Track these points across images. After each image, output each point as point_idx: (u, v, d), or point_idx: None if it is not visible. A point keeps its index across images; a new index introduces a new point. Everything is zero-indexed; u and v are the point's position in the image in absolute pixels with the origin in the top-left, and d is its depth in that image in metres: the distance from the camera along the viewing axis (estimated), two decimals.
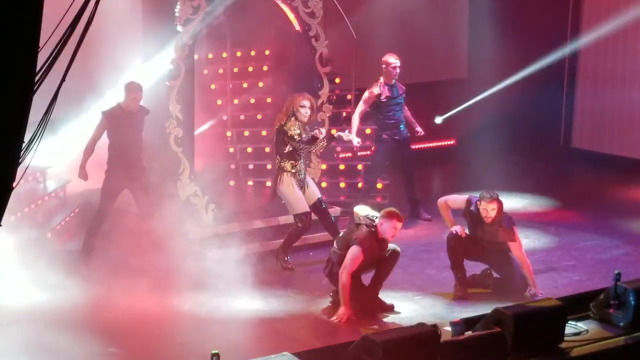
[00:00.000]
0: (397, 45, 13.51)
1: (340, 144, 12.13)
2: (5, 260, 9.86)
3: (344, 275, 9.28)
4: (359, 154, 12.75)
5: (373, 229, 9.43)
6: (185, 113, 11.00)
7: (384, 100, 12.36)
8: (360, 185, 12.46)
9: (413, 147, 12.87)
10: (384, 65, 12.36)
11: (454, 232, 10.03)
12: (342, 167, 12.55)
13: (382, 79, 12.37)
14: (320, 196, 11.01)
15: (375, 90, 12.28)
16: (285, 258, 10.76)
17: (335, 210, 11.62)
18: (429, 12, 14.68)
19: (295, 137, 10.65)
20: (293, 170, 10.74)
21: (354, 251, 9.33)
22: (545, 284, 10.30)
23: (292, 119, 10.71)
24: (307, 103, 10.77)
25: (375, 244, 9.43)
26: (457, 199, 10.35)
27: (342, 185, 12.45)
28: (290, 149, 10.70)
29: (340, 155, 12.64)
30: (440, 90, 14.03)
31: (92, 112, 11.28)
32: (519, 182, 13.69)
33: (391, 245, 9.65)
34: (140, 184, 10.78)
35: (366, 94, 12.35)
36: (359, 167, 12.63)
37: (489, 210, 9.90)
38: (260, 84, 13.03)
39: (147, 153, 10.96)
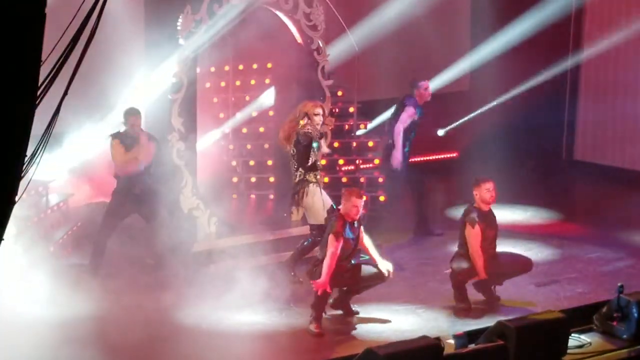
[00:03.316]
0: (399, 58, 13.53)
1: (342, 157, 12.13)
2: (8, 273, 9.85)
3: (330, 248, 9.34)
4: (361, 167, 12.75)
5: (339, 217, 9.49)
6: (187, 126, 10.99)
7: (416, 120, 12.28)
8: (365, 198, 12.42)
9: (417, 158, 12.85)
10: (419, 89, 12.24)
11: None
12: (344, 179, 12.54)
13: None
14: (332, 204, 10.85)
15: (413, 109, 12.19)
16: (292, 273, 10.63)
17: None
18: (431, 25, 14.70)
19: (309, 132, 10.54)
20: (315, 181, 10.65)
21: (329, 239, 9.39)
22: (548, 296, 10.30)
23: (306, 119, 10.60)
24: (320, 110, 10.69)
25: (346, 227, 9.46)
26: (474, 229, 9.93)
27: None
28: (313, 160, 10.64)
29: (343, 168, 12.64)
30: (442, 103, 14.00)
31: (93, 127, 11.31)
32: (521, 194, 13.68)
33: (386, 264, 9.65)
34: (148, 208, 10.69)
35: (410, 110, 12.20)
36: (362, 180, 12.62)
37: (491, 190, 9.99)
38: (263, 97, 13.03)
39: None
